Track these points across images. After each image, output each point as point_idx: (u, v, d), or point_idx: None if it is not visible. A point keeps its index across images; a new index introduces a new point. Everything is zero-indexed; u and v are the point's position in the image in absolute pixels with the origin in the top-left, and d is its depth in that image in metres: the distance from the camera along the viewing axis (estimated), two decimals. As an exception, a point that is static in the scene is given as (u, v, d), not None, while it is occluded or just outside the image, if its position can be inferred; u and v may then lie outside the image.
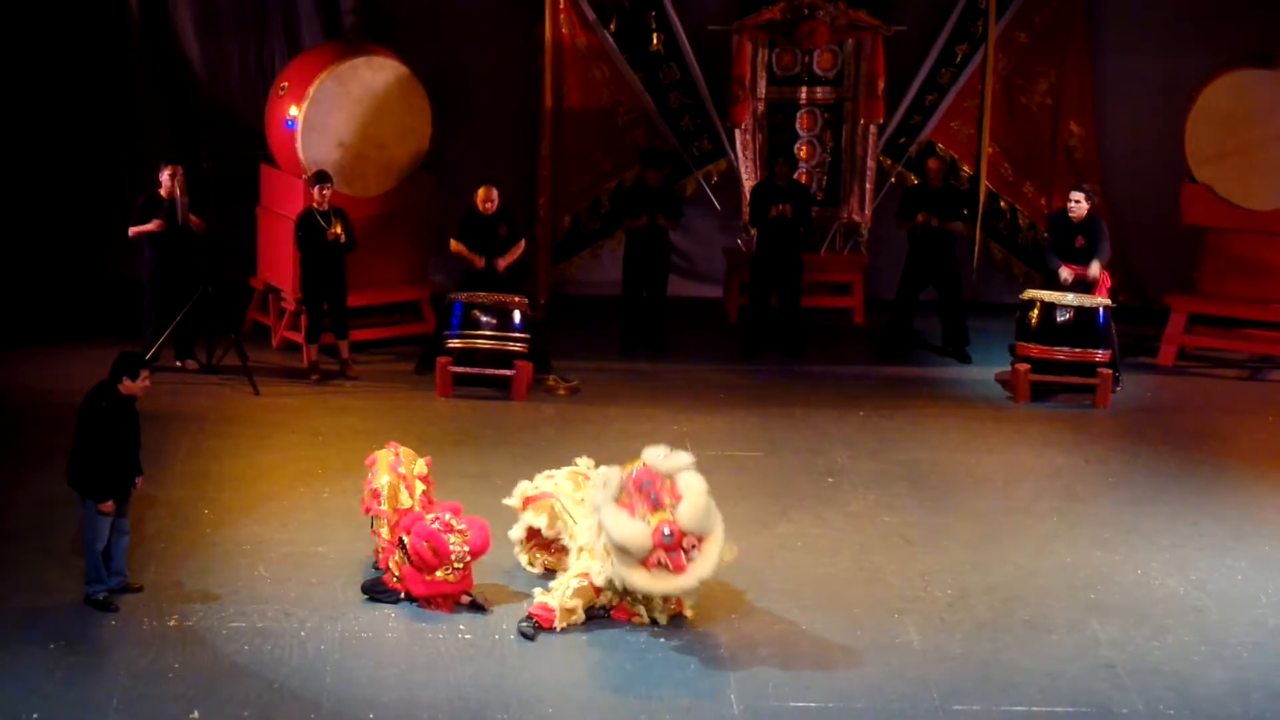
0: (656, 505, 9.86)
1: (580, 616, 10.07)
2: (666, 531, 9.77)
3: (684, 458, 10.09)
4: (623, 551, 9.81)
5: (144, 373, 10.20)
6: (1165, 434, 13.63)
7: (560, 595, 10.07)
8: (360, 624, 10.05)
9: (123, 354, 10.22)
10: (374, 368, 14.77)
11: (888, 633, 10.14)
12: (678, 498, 9.89)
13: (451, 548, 10.12)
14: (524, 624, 10.03)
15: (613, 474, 10.08)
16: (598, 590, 10.07)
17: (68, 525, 10.98)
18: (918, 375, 15.06)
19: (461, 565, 10.15)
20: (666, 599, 10.06)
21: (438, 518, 10.26)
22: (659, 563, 9.79)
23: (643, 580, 9.84)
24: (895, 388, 14.66)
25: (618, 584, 10.00)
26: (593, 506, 10.12)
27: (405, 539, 10.18)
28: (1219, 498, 12.32)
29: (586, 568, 10.12)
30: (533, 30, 16.15)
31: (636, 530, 9.79)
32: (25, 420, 13.20)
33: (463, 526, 10.22)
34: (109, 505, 10.10)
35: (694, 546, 9.83)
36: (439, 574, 10.13)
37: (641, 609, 10.13)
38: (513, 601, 10.34)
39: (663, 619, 10.11)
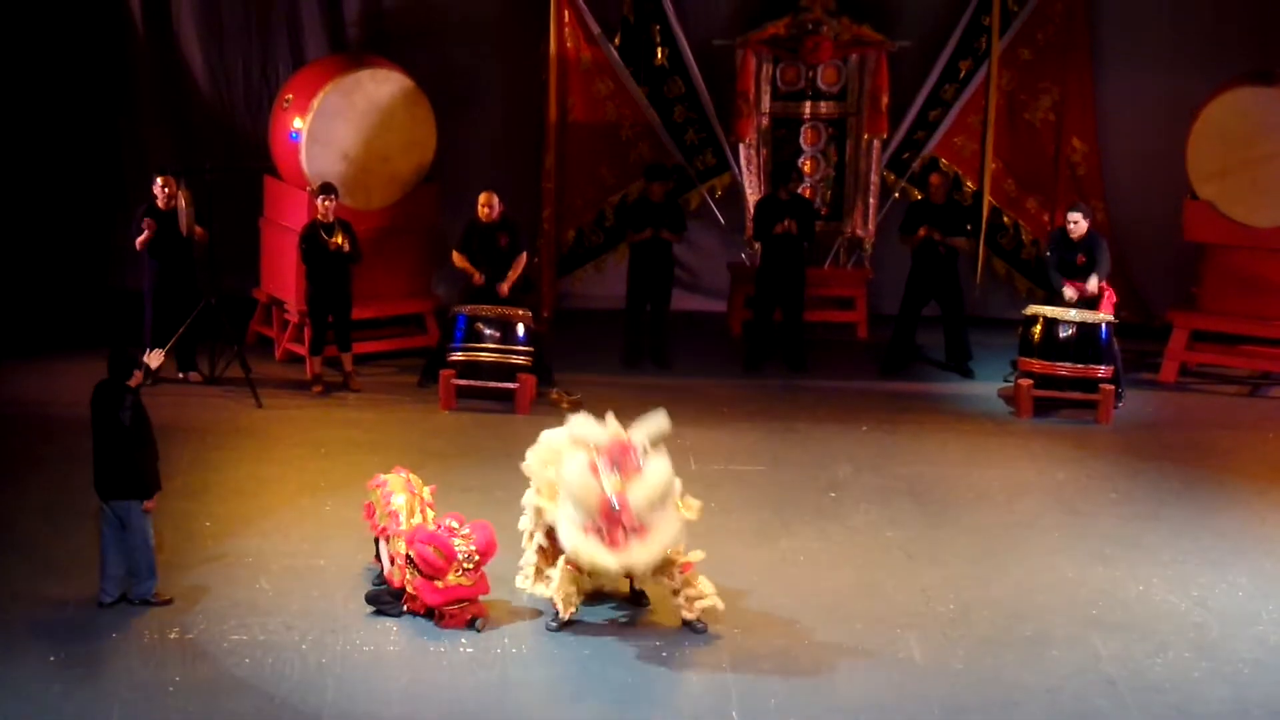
0: (615, 470, 9.89)
1: (576, 601, 10.13)
2: (615, 502, 9.78)
3: (664, 457, 10.12)
4: (569, 504, 9.87)
5: (143, 360, 10.44)
6: (1167, 450, 13.63)
7: (555, 589, 10.14)
8: (362, 637, 10.05)
9: (116, 352, 10.30)
10: (377, 380, 14.79)
11: (889, 647, 10.14)
12: (640, 476, 9.92)
13: (457, 548, 10.13)
14: (550, 622, 10.18)
15: (593, 431, 10.12)
16: (578, 569, 10.11)
17: (68, 537, 11.01)
18: (920, 390, 15.06)
19: (472, 565, 10.15)
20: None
21: (439, 524, 10.29)
22: (597, 529, 9.81)
23: (574, 540, 9.88)
24: (898, 402, 14.67)
25: (559, 536, 10.06)
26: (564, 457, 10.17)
27: (410, 552, 10.19)
28: (1221, 514, 12.32)
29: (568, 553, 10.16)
30: (537, 44, 16.17)
31: (590, 487, 9.83)
32: (24, 431, 13.21)
33: (466, 531, 10.24)
34: (154, 501, 10.29)
35: (635, 531, 9.82)
36: (451, 578, 10.13)
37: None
38: (513, 618, 10.35)
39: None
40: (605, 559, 9.83)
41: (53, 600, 10.39)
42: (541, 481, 10.37)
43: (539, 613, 10.35)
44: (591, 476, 9.87)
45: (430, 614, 10.22)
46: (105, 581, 10.32)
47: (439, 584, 10.13)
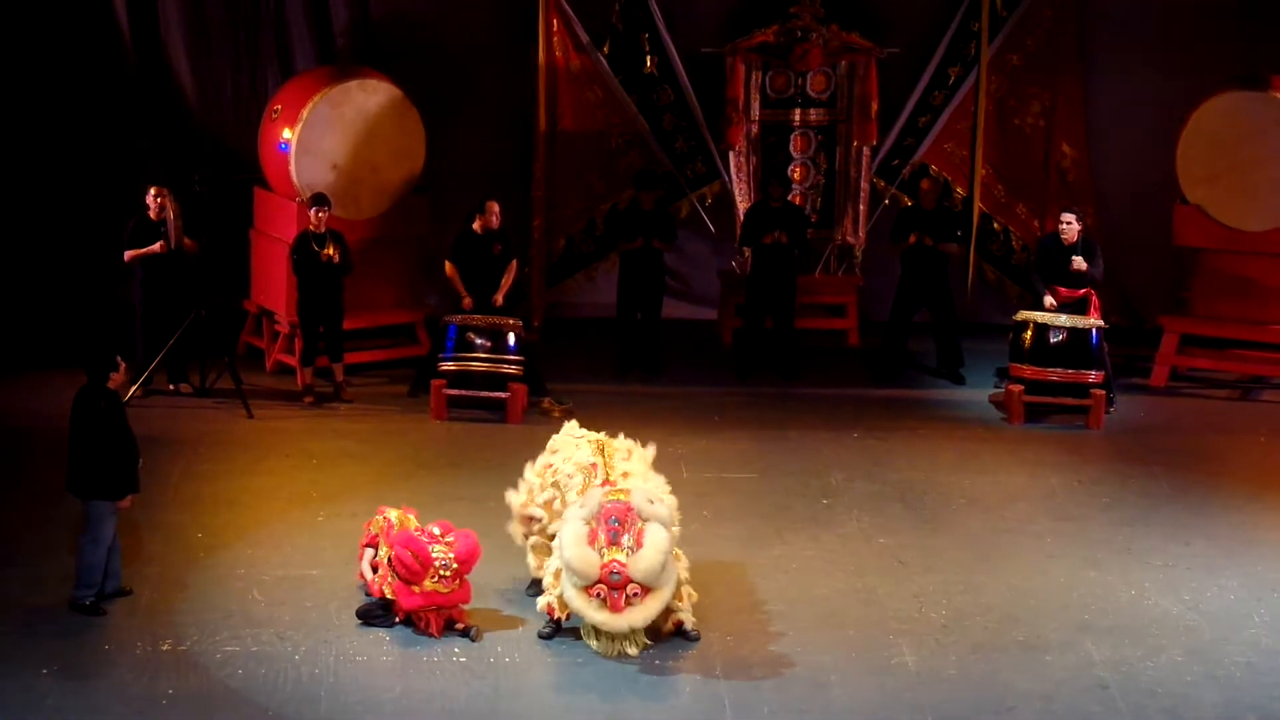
0: (614, 542, 9.93)
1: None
2: (614, 571, 9.85)
3: (665, 512, 10.14)
4: (569, 571, 9.94)
5: (122, 362, 10.43)
6: (1158, 454, 13.64)
7: (549, 590, 10.20)
8: (355, 648, 10.05)
9: (96, 353, 10.34)
10: (368, 390, 14.78)
11: (882, 654, 10.14)
12: (639, 545, 9.95)
13: (434, 554, 10.15)
14: (543, 629, 10.21)
15: (594, 495, 10.15)
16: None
17: (59, 549, 10.99)
18: (912, 397, 15.07)
19: (449, 573, 10.15)
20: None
21: (422, 529, 10.30)
22: (599, 595, 9.90)
23: (579, 602, 9.96)
24: (889, 409, 14.67)
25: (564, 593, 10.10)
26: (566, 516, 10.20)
27: (390, 554, 10.21)
28: (1212, 517, 12.33)
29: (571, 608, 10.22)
30: (526, 53, 16.17)
31: (588, 559, 9.90)
32: (18, 443, 13.19)
33: (450, 539, 10.25)
34: (128, 501, 10.28)
35: (636, 595, 9.91)
36: (428, 584, 10.14)
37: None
38: (506, 626, 10.35)
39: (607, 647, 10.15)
40: (609, 622, 9.93)
41: (45, 612, 10.37)
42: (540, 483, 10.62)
43: (531, 621, 10.35)
44: (589, 549, 9.93)
45: (409, 620, 10.22)
46: (104, 580, 10.45)
47: (415, 589, 10.14)
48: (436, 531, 10.30)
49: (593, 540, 9.95)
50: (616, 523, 9.98)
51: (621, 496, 10.11)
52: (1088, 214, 15.98)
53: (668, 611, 10.19)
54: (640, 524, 10.02)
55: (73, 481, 10.33)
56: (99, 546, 10.30)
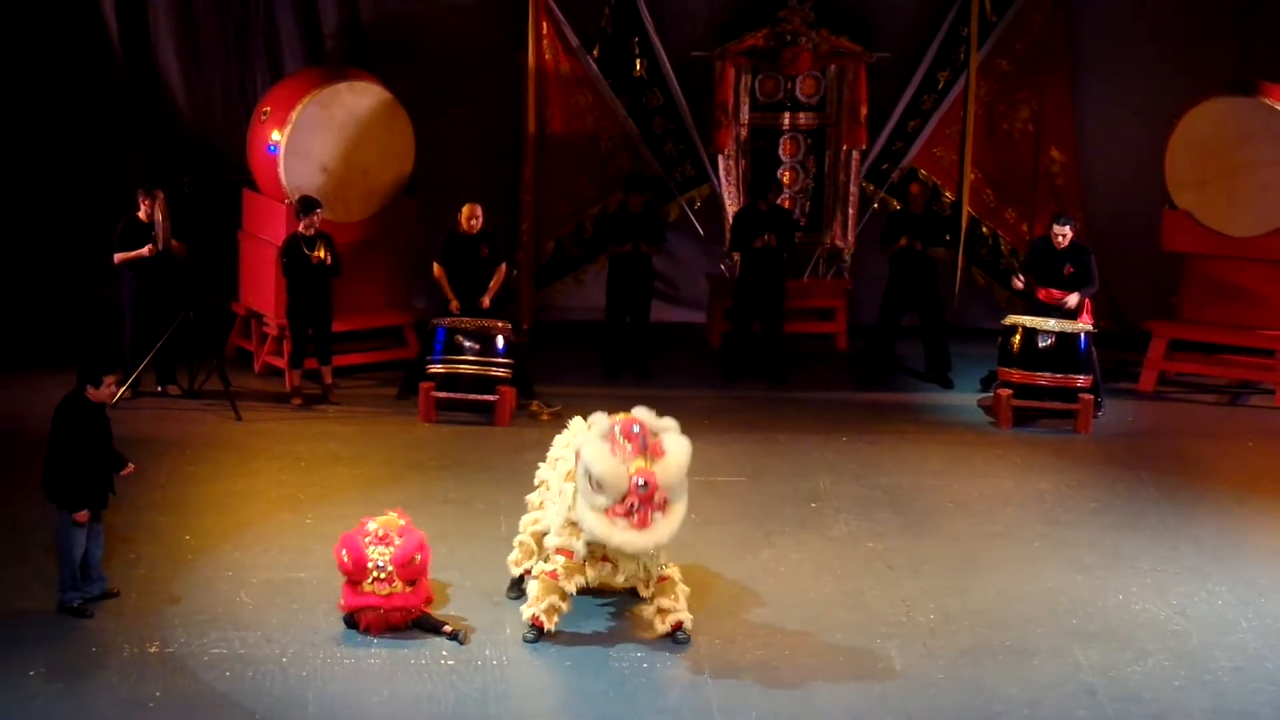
0: (640, 452, 9.86)
1: (564, 607, 10.18)
2: (642, 481, 9.78)
3: (674, 423, 10.12)
4: (595, 489, 9.82)
5: (108, 379, 10.35)
6: (1146, 459, 13.66)
7: (534, 602, 10.17)
8: (342, 651, 10.04)
9: (84, 361, 10.30)
10: (357, 393, 14.76)
11: (870, 658, 10.15)
12: (661, 454, 9.91)
13: (369, 556, 10.13)
14: (527, 634, 10.18)
15: (601, 418, 10.09)
16: (554, 575, 10.14)
17: (47, 551, 10.96)
18: (900, 401, 15.08)
19: (385, 575, 10.12)
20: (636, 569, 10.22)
21: (372, 532, 10.27)
22: (627, 511, 9.79)
23: (600, 527, 9.84)
24: (878, 413, 14.68)
25: (582, 529, 10.00)
26: (574, 448, 10.16)
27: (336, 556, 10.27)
28: (1199, 522, 12.35)
29: (548, 563, 10.22)
30: (516, 56, 16.17)
31: (617, 469, 9.80)
32: (3, 447, 13.16)
33: (399, 541, 10.23)
34: (84, 515, 10.22)
35: (662, 507, 9.85)
36: (366, 586, 10.15)
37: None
38: (494, 629, 10.34)
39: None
40: (634, 540, 9.83)
41: (33, 615, 10.35)
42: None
43: (520, 623, 10.34)
44: (616, 461, 9.83)
45: (353, 622, 10.21)
46: (90, 582, 10.46)
47: (355, 590, 10.18)
48: (389, 533, 10.24)
49: (617, 455, 9.85)
50: (638, 431, 9.90)
51: (628, 415, 10.07)
52: (1076, 219, 16.01)
53: (665, 612, 10.19)
54: (655, 436, 9.97)
55: (44, 483, 10.34)
56: (72, 550, 10.28)
